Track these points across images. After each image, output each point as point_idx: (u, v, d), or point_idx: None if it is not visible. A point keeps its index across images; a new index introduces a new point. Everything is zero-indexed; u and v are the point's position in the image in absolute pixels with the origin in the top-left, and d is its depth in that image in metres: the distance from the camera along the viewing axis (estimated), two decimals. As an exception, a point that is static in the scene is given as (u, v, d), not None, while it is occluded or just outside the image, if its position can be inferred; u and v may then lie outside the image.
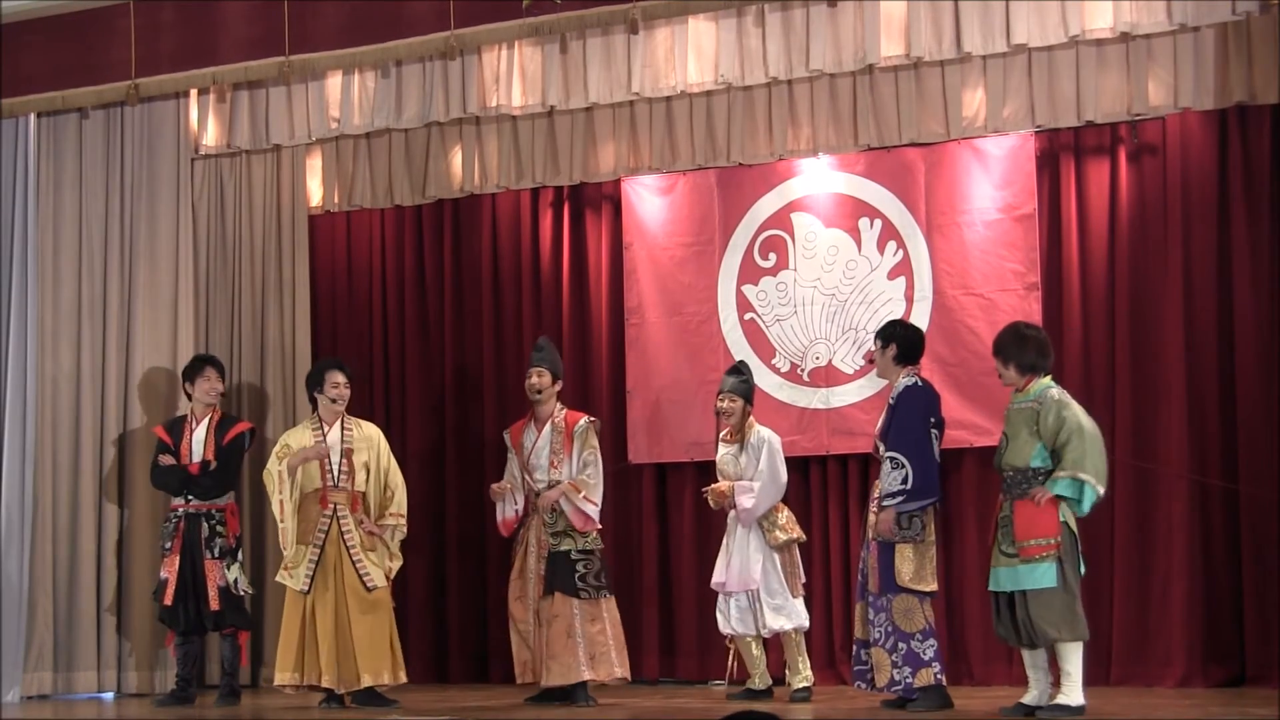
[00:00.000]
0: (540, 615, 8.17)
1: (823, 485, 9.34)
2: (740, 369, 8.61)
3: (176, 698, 8.74)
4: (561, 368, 8.56)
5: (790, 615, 8.24)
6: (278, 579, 8.39)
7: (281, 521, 8.31)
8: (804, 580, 8.41)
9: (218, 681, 8.91)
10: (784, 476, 8.40)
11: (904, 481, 7.31)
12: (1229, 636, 8.46)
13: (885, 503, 7.36)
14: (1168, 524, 8.53)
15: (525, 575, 8.28)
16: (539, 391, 8.34)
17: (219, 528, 8.69)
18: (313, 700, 8.37)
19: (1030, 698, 7.04)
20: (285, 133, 9.87)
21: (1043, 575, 6.85)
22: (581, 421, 8.34)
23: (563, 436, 8.29)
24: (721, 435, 8.57)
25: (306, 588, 8.20)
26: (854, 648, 7.69)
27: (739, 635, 8.34)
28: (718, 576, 8.38)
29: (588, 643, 8.06)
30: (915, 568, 7.34)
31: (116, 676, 9.59)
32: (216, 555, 8.64)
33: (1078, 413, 6.99)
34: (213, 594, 8.60)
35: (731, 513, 8.37)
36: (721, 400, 8.44)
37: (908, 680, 7.31)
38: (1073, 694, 6.88)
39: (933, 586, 7.40)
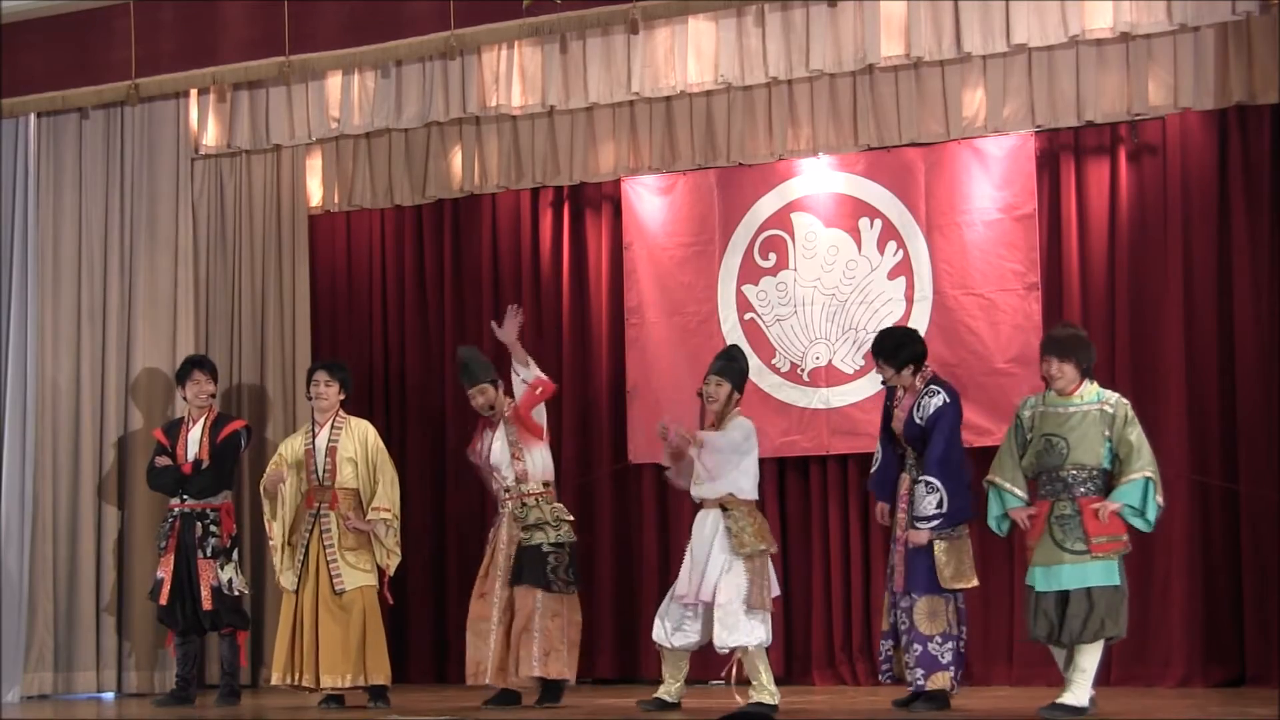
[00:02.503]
0: (502, 611, 7.90)
1: (823, 485, 9.34)
2: (731, 353, 7.82)
3: (176, 698, 8.74)
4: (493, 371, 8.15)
5: (746, 631, 7.33)
6: (278, 580, 8.43)
7: (270, 539, 8.40)
8: (776, 595, 7.48)
9: (218, 681, 8.92)
10: (749, 459, 7.51)
11: (939, 506, 7.28)
12: (1229, 636, 8.46)
13: (919, 525, 7.31)
14: (1168, 524, 8.49)
15: (492, 573, 7.98)
16: (491, 407, 8.04)
17: (213, 528, 8.68)
18: (312, 700, 8.37)
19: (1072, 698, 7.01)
20: (285, 133, 9.87)
21: (1110, 572, 6.83)
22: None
23: (515, 427, 7.96)
24: (707, 425, 7.66)
25: (295, 587, 8.25)
26: (881, 640, 7.61)
27: (674, 647, 7.58)
28: (681, 587, 7.50)
29: (543, 637, 7.80)
30: (955, 566, 7.33)
31: (116, 676, 9.59)
32: (209, 555, 8.63)
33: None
34: (205, 594, 8.59)
35: (700, 513, 7.58)
36: (707, 384, 7.61)
37: (919, 683, 7.29)
38: (1082, 694, 6.84)
39: (974, 581, 7.38)
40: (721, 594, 7.34)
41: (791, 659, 9.25)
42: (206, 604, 8.59)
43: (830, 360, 9.27)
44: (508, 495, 8.02)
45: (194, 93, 9.99)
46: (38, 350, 9.74)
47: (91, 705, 9.31)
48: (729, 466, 7.43)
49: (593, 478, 9.73)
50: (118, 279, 9.87)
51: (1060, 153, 9.00)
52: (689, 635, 7.56)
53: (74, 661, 9.56)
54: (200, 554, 8.62)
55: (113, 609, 9.62)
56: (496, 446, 8.02)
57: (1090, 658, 6.85)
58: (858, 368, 9.19)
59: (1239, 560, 8.47)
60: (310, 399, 8.47)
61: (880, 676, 7.66)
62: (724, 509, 7.45)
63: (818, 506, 9.36)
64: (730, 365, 7.68)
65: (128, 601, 9.59)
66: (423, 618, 10.05)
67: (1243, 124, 8.60)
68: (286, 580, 8.28)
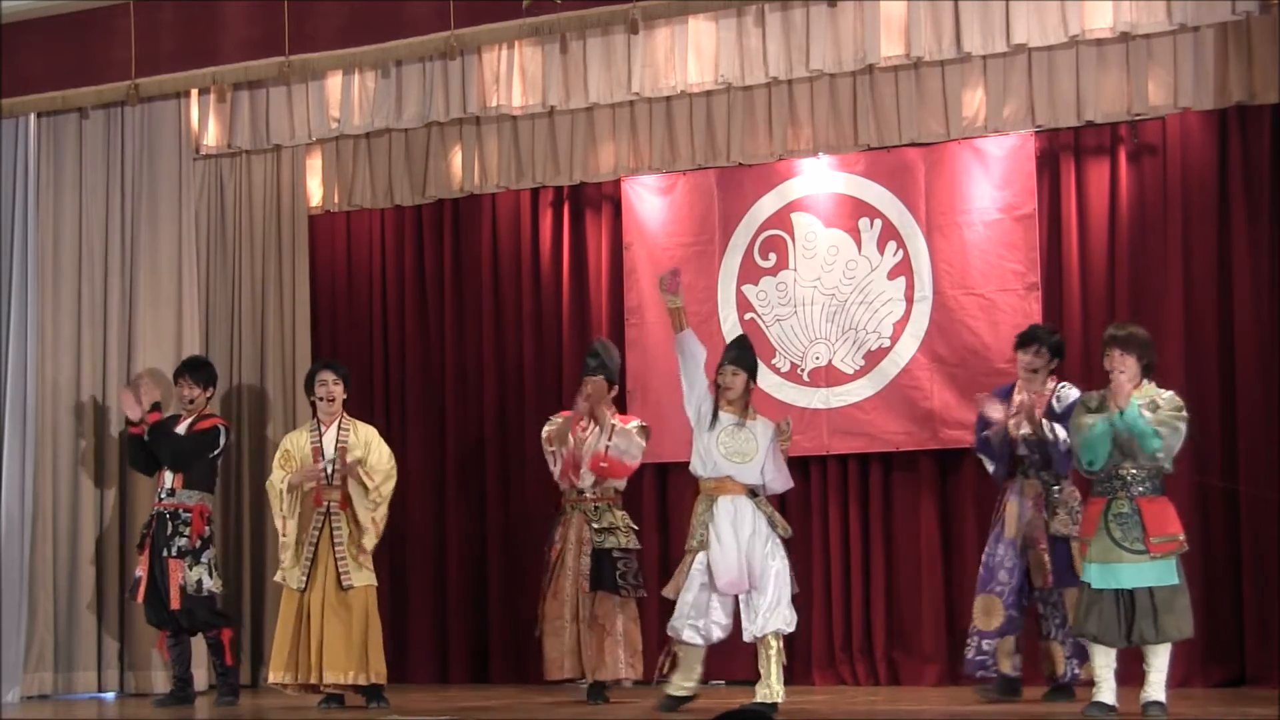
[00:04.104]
0: (581, 612, 8.16)
1: (823, 485, 9.34)
2: (743, 342, 7.90)
3: (176, 697, 8.74)
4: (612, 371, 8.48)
5: (784, 617, 7.50)
6: (276, 579, 8.42)
7: (283, 536, 8.37)
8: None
9: (215, 682, 8.92)
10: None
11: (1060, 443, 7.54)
12: (1229, 636, 8.46)
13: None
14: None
15: (563, 572, 8.20)
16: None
17: (183, 528, 8.63)
18: (312, 700, 8.37)
19: (1110, 697, 7.00)
20: (285, 133, 9.87)
21: (1170, 571, 6.85)
22: (633, 423, 8.41)
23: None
24: (719, 410, 7.65)
25: (303, 585, 8.24)
26: (977, 639, 7.81)
27: (696, 643, 7.60)
28: (727, 574, 7.43)
29: (627, 640, 8.11)
30: None
31: (117, 676, 9.59)
32: (174, 554, 8.61)
33: (1185, 418, 6.99)
34: (173, 593, 8.57)
35: (722, 501, 7.55)
36: (722, 374, 7.67)
37: (1075, 672, 7.59)
38: (1163, 691, 6.90)
39: None
40: (767, 579, 7.41)
41: (792, 659, 9.20)
42: (174, 603, 8.57)
43: (830, 360, 9.27)
44: (580, 496, 8.25)
45: (194, 93, 9.99)
46: (38, 350, 9.74)
47: (92, 705, 9.31)
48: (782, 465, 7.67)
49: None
50: (118, 279, 9.86)
51: (1060, 153, 9.00)
52: (727, 629, 7.59)
53: (74, 661, 9.55)
54: (167, 552, 8.60)
55: (112, 609, 9.61)
56: (592, 443, 8.22)
57: (1165, 657, 6.88)
58: (858, 368, 9.20)
59: (1239, 560, 8.47)
60: (320, 399, 8.46)
61: (973, 670, 7.85)
62: (754, 494, 7.55)
63: (818, 507, 9.36)
64: (744, 354, 7.74)
65: (127, 601, 9.57)
66: (423, 618, 10.04)
67: (1243, 124, 8.60)
68: (293, 579, 8.28)
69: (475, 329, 10.17)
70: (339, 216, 10.45)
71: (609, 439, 8.17)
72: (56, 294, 9.84)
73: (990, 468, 8.04)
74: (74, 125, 10.00)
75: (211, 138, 10.05)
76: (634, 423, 8.40)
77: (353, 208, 10.32)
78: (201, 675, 9.17)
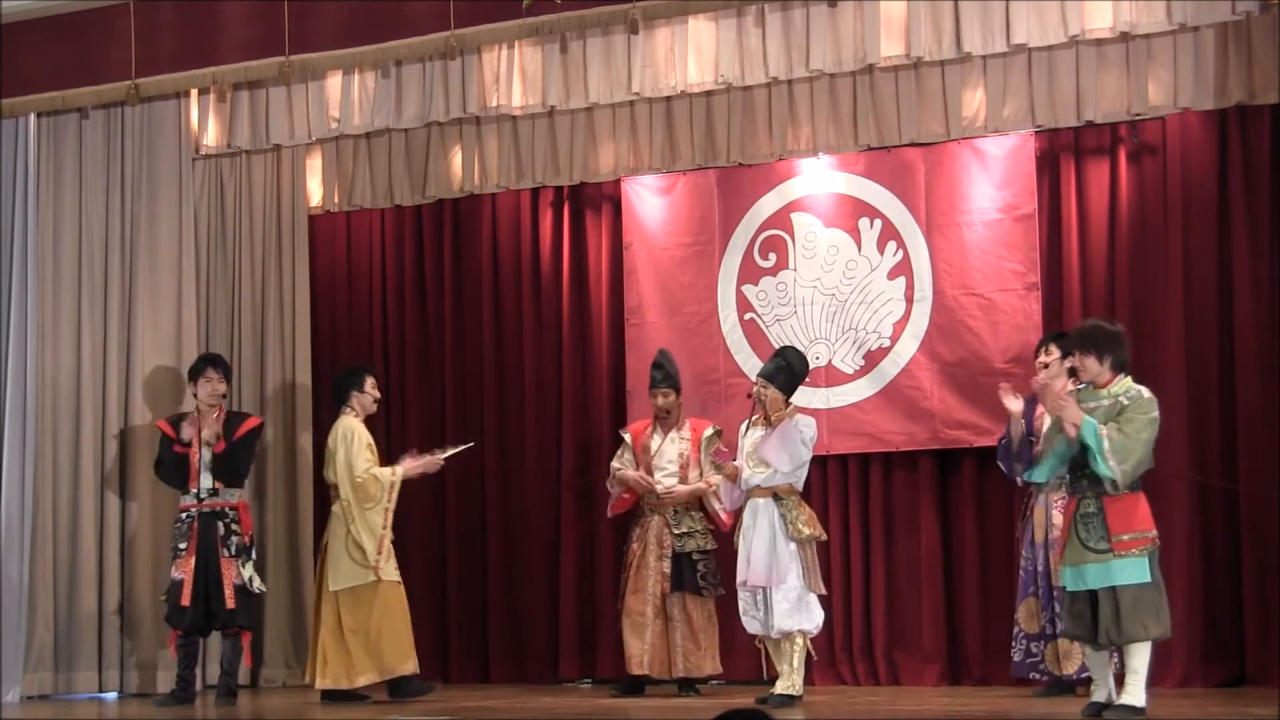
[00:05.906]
0: (667, 611, 8.55)
1: (823, 485, 9.33)
2: (783, 354, 8.16)
3: (177, 697, 8.74)
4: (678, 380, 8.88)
5: (803, 617, 7.78)
6: (369, 577, 8.53)
7: (383, 529, 8.54)
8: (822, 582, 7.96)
9: (215, 682, 8.92)
10: (803, 454, 7.92)
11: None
12: (1229, 636, 8.46)
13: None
14: (1168, 525, 8.50)
15: (644, 571, 8.62)
16: (668, 412, 8.75)
17: (234, 526, 8.70)
18: (314, 699, 8.38)
19: (1102, 696, 6.99)
20: (285, 133, 9.86)
21: (1137, 570, 6.77)
22: (708, 430, 8.79)
23: (690, 444, 8.72)
24: (753, 419, 8.07)
25: (399, 578, 8.62)
26: (1024, 642, 8.05)
27: (755, 632, 7.94)
28: (740, 574, 7.88)
29: (708, 639, 8.49)
30: None
31: (117, 676, 9.58)
32: (233, 553, 8.65)
33: (1153, 424, 6.87)
34: (229, 592, 8.61)
35: (751, 503, 7.91)
36: (756, 383, 8.08)
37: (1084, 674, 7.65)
38: (1138, 694, 6.81)
39: None
40: (780, 578, 7.71)
41: (792, 659, 9.24)
42: (230, 603, 8.62)
43: (830, 360, 9.27)
44: (658, 499, 8.68)
45: (194, 93, 9.98)
46: (38, 350, 9.73)
47: (92, 705, 9.31)
48: (796, 457, 7.85)
49: (593, 478, 9.73)
50: (118, 279, 9.86)
51: (1060, 153, 9.00)
52: (751, 622, 7.91)
53: (74, 661, 9.55)
54: (225, 553, 8.64)
55: (115, 608, 9.59)
56: (668, 451, 8.71)
57: (1139, 658, 6.81)
58: (858, 368, 9.19)
59: (1239, 560, 8.47)
60: (369, 398, 8.78)
61: (1021, 672, 8.11)
62: (777, 497, 7.84)
63: (818, 507, 9.29)
64: (779, 371, 8.03)
65: (129, 601, 9.58)
66: (423, 617, 10.02)
67: (1243, 124, 8.60)
68: (388, 572, 8.55)
69: (475, 329, 10.18)
70: (339, 216, 10.46)
71: (719, 502, 8.48)
72: (56, 293, 9.83)
73: (1006, 470, 8.20)
74: (74, 125, 10.00)
75: (211, 138, 10.04)
76: (707, 430, 8.77)
77: (353, 208, 10.32)
78: (203, 675, 9.18)
